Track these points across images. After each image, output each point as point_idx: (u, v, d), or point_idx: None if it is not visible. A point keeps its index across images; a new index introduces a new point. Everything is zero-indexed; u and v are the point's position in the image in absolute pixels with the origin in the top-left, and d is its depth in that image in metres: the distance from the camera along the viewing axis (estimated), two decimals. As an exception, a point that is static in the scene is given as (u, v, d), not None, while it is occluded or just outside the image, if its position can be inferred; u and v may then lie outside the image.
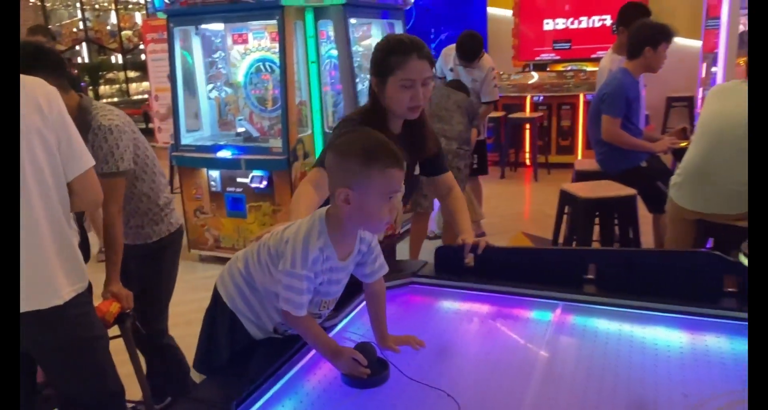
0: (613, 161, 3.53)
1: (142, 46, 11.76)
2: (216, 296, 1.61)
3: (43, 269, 1.83)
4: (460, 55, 4.67)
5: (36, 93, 1.81)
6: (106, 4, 13.07)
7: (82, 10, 13.32)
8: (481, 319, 1.70)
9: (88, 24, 12.96)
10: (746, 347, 1.32)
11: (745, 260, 1.42)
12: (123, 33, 13.27)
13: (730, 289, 1.54)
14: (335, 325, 1.59)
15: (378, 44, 2.05)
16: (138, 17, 13.55)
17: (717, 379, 1.25)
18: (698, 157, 2.84)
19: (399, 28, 5.57)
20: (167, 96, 6.69)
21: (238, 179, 4.68)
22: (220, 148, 4.65)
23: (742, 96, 2.71)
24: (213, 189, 4.80)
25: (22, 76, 1.77)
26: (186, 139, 4.90)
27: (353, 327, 1.64)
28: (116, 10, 13.13)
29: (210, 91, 5.03)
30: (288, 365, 1.40)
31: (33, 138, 1.76)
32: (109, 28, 13.04)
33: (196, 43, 4.95)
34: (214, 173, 4.75)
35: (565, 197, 3.47)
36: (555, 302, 1.65)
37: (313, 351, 1.47)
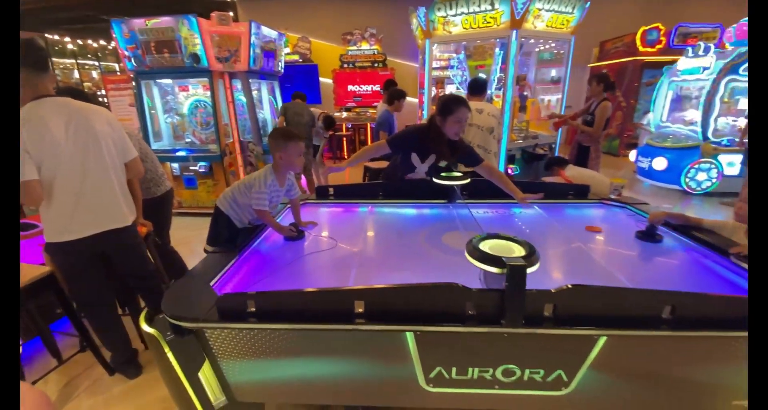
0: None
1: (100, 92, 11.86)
2: (217, 209, 1.87)
3: (117, 207, 1.99)
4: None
5: (107, 116, 2.02)
6: (69, 65, 12.64)
7: (52, 69, 11.23)
8: (338, 212, 2.46)
9: (59, 78, 12.37)
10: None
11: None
12: (84, 84, 12.90)
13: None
14: (277, 217, 2.11)
15: (443, 98, 2.18)
16: (94, 73, 13.33)
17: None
18: None
19: (276, 86, 6.56)
20: (127, 123, 6.63)
21: (190, 167, 5.41)
22: (177, 150, 5.47)
23: None
24: (174, 173, 5.46)
25: (98, 107, 1.96)
26: (154, 146, 5.48)
27: (287, 218, 2.23)
28: (78, 69, 12.88)
29: (166, 118, 5.71)
30: (255, 237, 1.86)
31: (108, 140, 1.96)
32: (73, 81, 12.43)
33: (155, 90, 5.52)
34: (175, 165, 5.43)
35: (366, 170, 4.83)
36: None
37: (268, 230, 1.89)
